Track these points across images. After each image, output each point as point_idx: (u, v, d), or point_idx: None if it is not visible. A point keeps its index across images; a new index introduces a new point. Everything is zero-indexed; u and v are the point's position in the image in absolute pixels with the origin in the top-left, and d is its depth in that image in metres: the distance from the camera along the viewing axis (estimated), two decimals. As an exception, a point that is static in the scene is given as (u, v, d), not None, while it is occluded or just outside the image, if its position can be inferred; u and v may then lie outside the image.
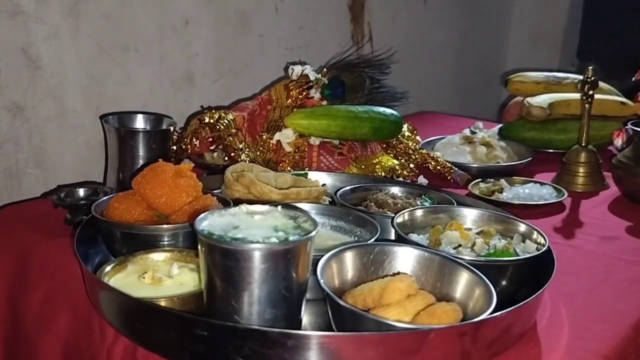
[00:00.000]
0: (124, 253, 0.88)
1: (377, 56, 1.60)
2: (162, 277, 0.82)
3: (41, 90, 1.34)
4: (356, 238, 0.95)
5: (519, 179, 1.34)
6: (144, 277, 0.82)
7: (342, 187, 1.15)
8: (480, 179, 1.33)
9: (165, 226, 0.90)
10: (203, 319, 0.69)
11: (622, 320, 0.83)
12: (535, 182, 1.31)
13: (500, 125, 1.69)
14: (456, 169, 1.38)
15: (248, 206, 0.76)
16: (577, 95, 1.40)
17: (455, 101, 2.59)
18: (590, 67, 1.34)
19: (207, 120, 1.27)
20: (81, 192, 1.10)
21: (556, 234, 1.12)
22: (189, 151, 1.29)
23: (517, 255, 0.88)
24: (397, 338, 0.66)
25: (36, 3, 1.29)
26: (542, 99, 1.57)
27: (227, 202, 0.97)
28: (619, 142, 1.50)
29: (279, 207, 0.77)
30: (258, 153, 1.29)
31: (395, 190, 1.15)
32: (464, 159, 1.46)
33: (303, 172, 1.22)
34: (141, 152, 1.18)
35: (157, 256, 0.87)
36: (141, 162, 1.18)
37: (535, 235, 0.93)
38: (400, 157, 1.41)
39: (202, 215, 0.73)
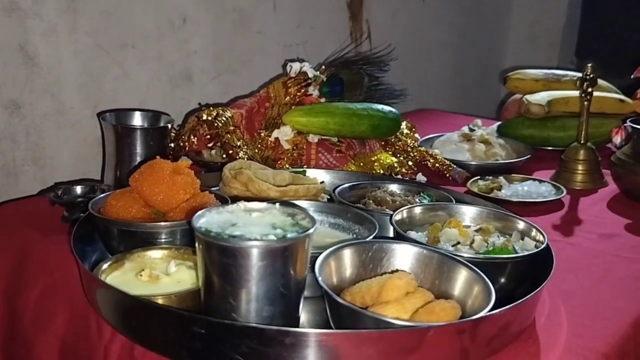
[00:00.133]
0: (121, 251, 0.88)
1: (376, 53, 1.60)
2: (159, 275, 0.82)
3: (38, 88, 1.33)
4: (354, 235, 0.95)
5: (518, 177, 1.33)
6: (141, 275, 0.82)
7: (340, 184, 1.14)
8: (479, 177, 1.32)
9: (162, 224, 0.89)
10: (201, 316, 0.69)
11: (621, 318, 0.82)
12: (534, 179, 1.31)
13: (499, 122, 1.69)
14: (455, 166, 1.38)
15: (246, 203, 0.76)
16: (576, 93, 1.39)
17: (454, 99, 2.59)
18: (589, 65, 1.34)
19: (205, 117, 1.27)
20: (78, 189, 1.09)
21: (555, 231, 1.12)
22: (187, 148, 1.29)
23: (516, 252, 0.88)
24: (396, 335, 0.66)
25: None
26: (541, 97, 1.57)
27: (224, 200, 0.97)
28: (617, 139, 1.50)
29: (277, 205, 0.77)
30: (256, 150, 1.29)
31: (394, 187, 1.15)
32: (462, 157, 1.46)
33: (301, 169, 1.21)
34: (139, 149, 1.18)
35: (155, 254, 0.87)
36: (139, 159, 1.18)
37: (534, 232, 0.92)
38: (398, 155, 1.41)
39: (199, 213, 0.73)
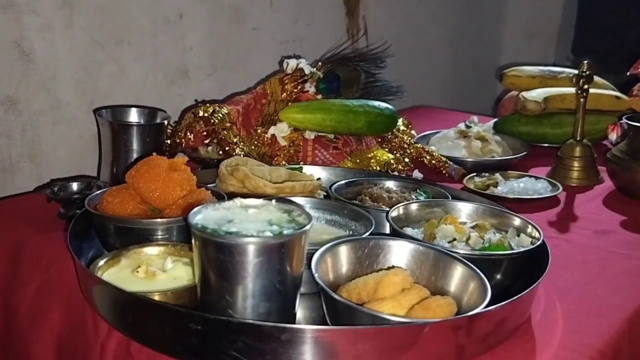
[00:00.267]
0: (117, 247, 0.88)
1: (372, 50, 1.60)
2: (155, 271, 0.82)
3: (34, 84, 1.33)
4: (351, 232, 0.95)
5: (514, 173, 1.34)
6: (137, 272, 0.82)
7: (336, 181, 1.14)
8: (475, 173, 1.33)
9: (159, 220, 0.89)
10: (197, 313, 0.69)
11: (616, 314, 0.83)
12: (530, 176, 1.31)
13: (496, 119, 1.69)
14: (451, 163, 1.38)
15: (242, 200, 0.76)
16: (572, 90, 1.39)
17: (450, 95, 2.59)
18: (586, 62, 1.34)
19: (201, 114, 1.27)
20: (75, 186, 1.09)
21: (551, 228, 1.12)
22: (183, 145, 1.29)
23: (512, 249, 0.88)
24: (392, 332, 0.66)
25: (29, -5, 1.29)
26: (537, 93, 1.57)
27: (221, 196, 0.97)
28: (613, 136, 1.51)
29: (274, 201, 0.77)
30: (253, 147, 1.29)
31: (390, 184, 1.15)
32: (459, 153, 1.46)
33: (298, 166, 1.21)
34: (135, 145, 1.18)
35: (151, 250, 0.87)
36: (135, 155, 1.17)
37: (529, 229, 0.93)
38: (395, 151, 1.41)
39: (196, 209, 0.73)
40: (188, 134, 1.28)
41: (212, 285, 0.70)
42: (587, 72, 1.33)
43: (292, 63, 1.40)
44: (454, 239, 0.90)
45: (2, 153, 1.32)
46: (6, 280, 1.04)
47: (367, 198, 1.08)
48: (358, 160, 1.32)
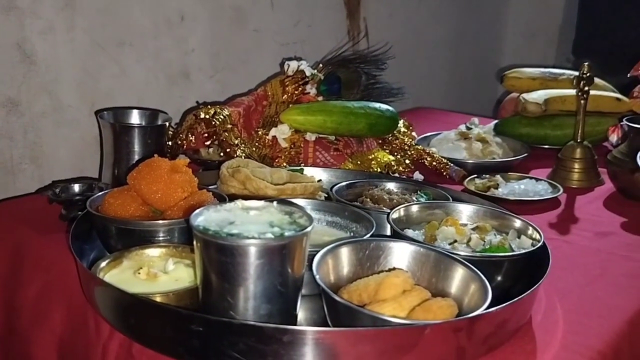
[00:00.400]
0: (119, 249, 0.88)
1: (373, 52, 1.60)
2: (157, 273, 0.82)
3: (36, 86, 1.33)
4: (352, 234, 0.95)
5: (515, 175, 1.34)
6: (139, 273, 0.82)
7: (337, 182, 1.15)
8: (475, 175, 1.33)
9: (160, 222, 0.89)
10: (198, 314, 0.69)
11: (617, 316, 0.83)
12: (531, 178, 1.32)
13: (496, 121, 1.69)
14: (452, 164, 1.38)
15: (244, 202, 0.76)
16: (573, 92, 1.40)
17: (451, 97, 2.59)
18: (586, 63, 1.34)
19: (202, 115, 1.27)
20: (76, 187, 1.09)
21: (551, 229, 1.12)
22: (185, 147, 1.29)
23: (513, 250, 0.88)
24: (393, 333, 0.66)
25: (31, -2, 1.29)
26: (538, 95, 1.57)
27: (222, 198, 0.97)
28: (614, 138, 1.50)
29: (275, 203, 0.77)
30: (254, 149, 1.29)
31: (391, 186, 1.15)
32: (459, 155, 1.46)
33: (299, 167, 1.21)
34: (136, 147, 1.18)
35: (153, 252, 0.87)
36: (136, 157, 1.17)
37: (530, 231, 0.93)
38: (396, 153, 1.41)
39: (197, 211, 0.73)
40: (189, 135, 1.28)
41: (213, 286, 0.70)
42: (588, 74, 1.33)
43: (293, 65, 1.40)
44: (455, 241, 0.90)
45: (3, 155, 1.32)
46: (8, 281, 1.04)
47: (368, 200, 1.08)
48: (359, 162, 1.32)
